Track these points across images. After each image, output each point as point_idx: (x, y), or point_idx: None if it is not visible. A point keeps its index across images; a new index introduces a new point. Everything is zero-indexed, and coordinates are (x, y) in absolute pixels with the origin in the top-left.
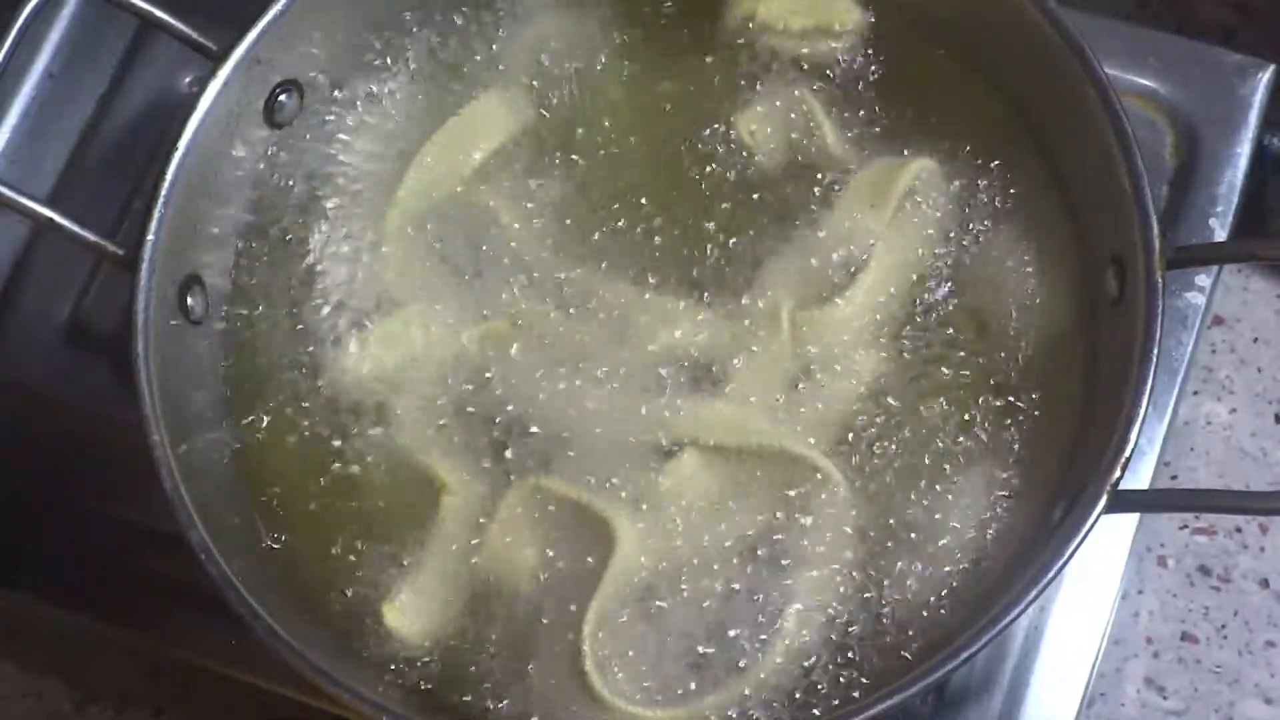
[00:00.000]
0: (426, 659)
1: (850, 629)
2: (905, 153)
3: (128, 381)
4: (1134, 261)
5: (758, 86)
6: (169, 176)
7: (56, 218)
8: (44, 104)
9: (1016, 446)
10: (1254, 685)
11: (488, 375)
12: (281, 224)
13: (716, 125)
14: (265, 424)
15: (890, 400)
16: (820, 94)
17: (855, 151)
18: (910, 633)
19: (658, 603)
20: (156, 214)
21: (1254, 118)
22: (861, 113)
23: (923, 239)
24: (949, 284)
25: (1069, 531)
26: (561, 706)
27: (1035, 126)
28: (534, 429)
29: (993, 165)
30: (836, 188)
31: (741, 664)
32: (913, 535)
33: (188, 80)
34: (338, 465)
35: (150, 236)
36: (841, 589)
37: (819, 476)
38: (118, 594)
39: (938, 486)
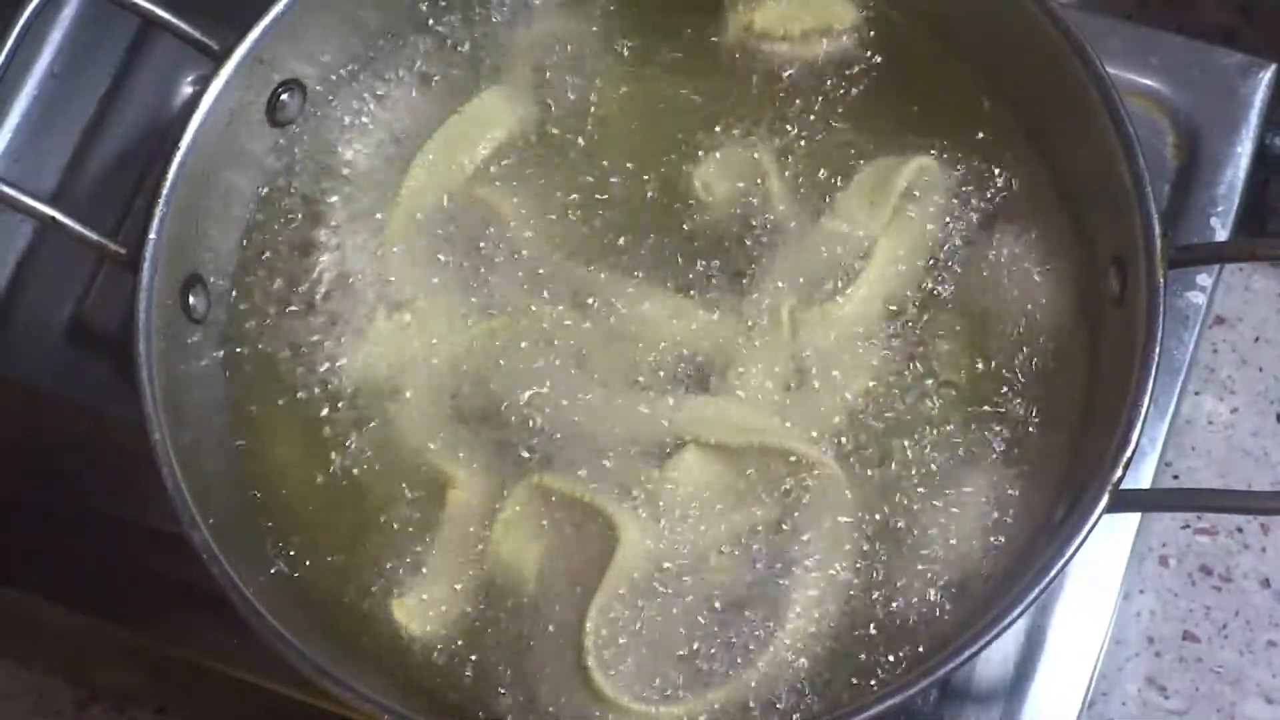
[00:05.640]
0: (431, 656)
1: (851, 627)
2: (905, 151)
3: (129, 380)
4: (1135, 261)
5: (758, 89)
6: (171, 176)
7: (59, 216)
8: (46, 103)
9: (1017, 446)
10: (1255, 685)
11: (490, 373)
12: (284, 223)
13: (717, 124)
14: (268, 422)
15: (890, 398)
16: (820, 94)
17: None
18: (911, 631)
19: (659, 599)
20: (158, 213)
21: (1255, 117)
22: (862, 112)
23: (922, 238)
24: (949, 282)
25: (1070, 531)
26: (565, 703)
27: (1036, 126)
28: (536, 426)
29: (993, 164)
30: (837, 186)
31: (742, 661)
32: (913, 533)
33: (190, 80)
34: (341, 463)
35: (152, 235)
36: (842, 587)
37: (820, 474)
38: (119, 593)
39: (938, 485)
